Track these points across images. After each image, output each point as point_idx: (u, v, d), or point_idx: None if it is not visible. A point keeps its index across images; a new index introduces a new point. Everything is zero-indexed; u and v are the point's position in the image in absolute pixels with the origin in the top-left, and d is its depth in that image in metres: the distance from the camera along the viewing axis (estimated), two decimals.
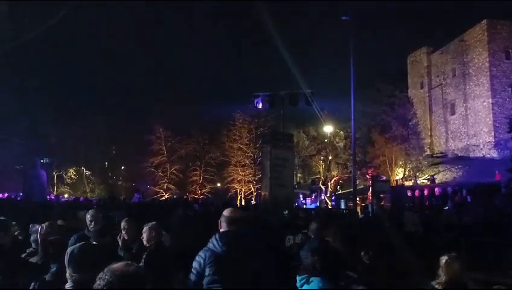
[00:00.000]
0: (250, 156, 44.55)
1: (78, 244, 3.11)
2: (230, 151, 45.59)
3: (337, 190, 42.12)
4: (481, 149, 44.16)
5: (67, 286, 2.84)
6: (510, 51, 44.13)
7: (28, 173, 21.27)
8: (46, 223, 5.55)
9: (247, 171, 44.25)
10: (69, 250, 2.99)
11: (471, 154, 45.06)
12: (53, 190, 49.17)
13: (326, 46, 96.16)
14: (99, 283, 1.95)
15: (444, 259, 4.08)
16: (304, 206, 33.39)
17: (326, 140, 43.69)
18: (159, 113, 47.98)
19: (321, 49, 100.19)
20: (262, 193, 15.09)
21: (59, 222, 7.11)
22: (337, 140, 43.95)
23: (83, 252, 2.93)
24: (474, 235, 11.41)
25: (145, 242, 5.14)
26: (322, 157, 44.00)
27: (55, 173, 51.27)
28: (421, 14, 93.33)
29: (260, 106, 19.05)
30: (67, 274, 2.86)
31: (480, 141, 44.51)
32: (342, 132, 43.62)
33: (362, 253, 4.15)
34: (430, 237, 11.32)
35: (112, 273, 1.96)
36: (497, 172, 28.83)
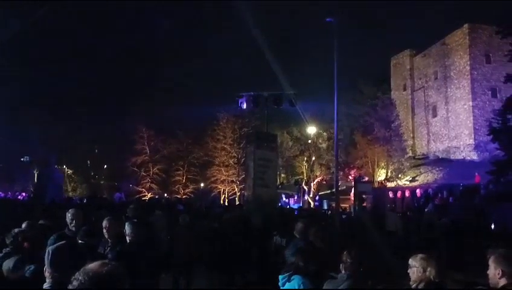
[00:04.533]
0: (234, 156, 44.47)
1: (57, 244, 3.06)
2: (214, 151, 45.45)
3: (320, 191, 42.33)
4: (461, 151, 44.84)
5: (45, 285, 2.80)
6: (490, 55, 44.86)
7: (42, 172, 19.92)
8: (25, 223, 5.46)
9: (230, 172, 44.16)
10: (49, 249, 2.95)
11: (452, 156, 45.73)
12: (33, 189, 48.41)
13: (311, 47, 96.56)
14: (74, 283, 1.91)
15: (413, 260, 4.06)
16: (288, 207, 33.46)
17: (309, 141, 43.83)
18: (142, 113, 47.72)
19: (305, 50, 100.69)
20: (246, 193, 15.07)
21: (41, 222, 7.01)
22: (320, 141, 44.13)
23: (62, 252, 2.88)
24: (454, 235, 11.58)
25: (127, 240, 5.11)
26: (305, 158, 44.15)
27: (36, 171, 50.50)
28: (405, 17, 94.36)
29: (244, 106, 19.00)
30: (47, 273, 2.82)
31: (461, 143, 45.19)
32: (325, 133, 43.81)
33: (345, 252, 4.16)
34: (410, 237, 11.47)
35: (85, 274, 1.92)
36: (476, 174, 29.28)
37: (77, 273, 1.94)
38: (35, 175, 50.43)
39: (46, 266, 2.85)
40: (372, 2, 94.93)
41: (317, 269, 3.98)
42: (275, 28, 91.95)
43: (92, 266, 1.97)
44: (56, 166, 20.81)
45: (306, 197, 41.17)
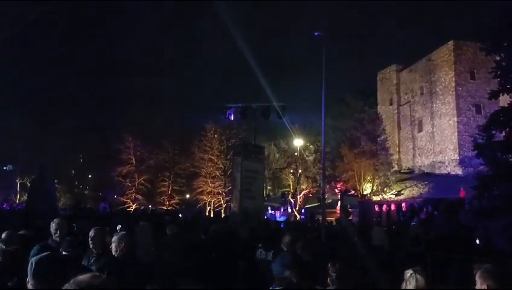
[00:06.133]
0: (221, 167, 44.32)
1: (40, 255, 2.98)
2: (201, 162, 45.25)
3: (306, 203, 42.35)
4: (446, 166, 45.28)
5: None
6: (475, 71, 45.57)
7: (35, 182, 19.52)
8: (5, 233, 5.33)
9: (217, 183, 43.96)
10: (32, 260, 2.87)
11: (437, 171, 46.15)
12: (16, 198, 47.79)
13: (299, 61, 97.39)
14: None
15: (408, 273, 4.09)
16: (274, 219, 33.34)
17: (296, 153, 43.95)
18: (128, 122, 47.33)
19: (293, 64, 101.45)
20: (232, 205, 15.00)
21: (21, 232, 6.86)
22: (307, 154, 44.26)
23: (45, 263, 2.80)
24: (439, 250, 11.62)
25: (113, 252, 5.00)
26: (292, 171, 44.21)
27: (19, 180, 49.80)
28: (392, 32, 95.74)
29: (232, 117, 19.05)
30: (30, 285, 2.74)
31: (446, 158, 45.65)
32: (311, 146, 43.99)
33: (329, 265, 4.14)
34: (396, 252, 11.47)
35: (77, 285, 1.86)
36: (461, 189, 29.54)
37: (67, 284, 1.88)
38: (18, 184, 49.73)
39: (28, 277, 2.78)
40: (359, 16, 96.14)
41: (308, 285, 3.95)
42: (264, 41, 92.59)
43: (84, 277, 1.92)
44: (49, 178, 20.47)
45: (292, 209, 41.12)
